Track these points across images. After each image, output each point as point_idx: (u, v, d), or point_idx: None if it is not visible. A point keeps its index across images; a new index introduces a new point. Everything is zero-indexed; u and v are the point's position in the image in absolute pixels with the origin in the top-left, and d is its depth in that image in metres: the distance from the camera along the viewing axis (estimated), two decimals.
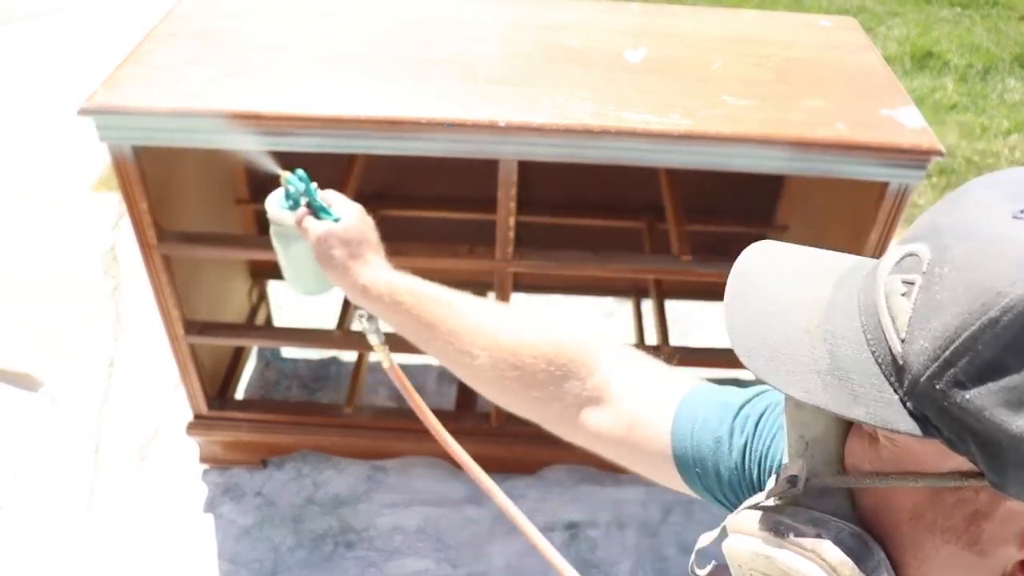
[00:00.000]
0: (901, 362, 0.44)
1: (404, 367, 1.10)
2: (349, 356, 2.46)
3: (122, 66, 1.54)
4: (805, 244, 0.57)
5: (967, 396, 0.41)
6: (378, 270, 0.93)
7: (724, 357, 1.95)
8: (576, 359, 0.78)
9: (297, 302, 2.62)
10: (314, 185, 0.99)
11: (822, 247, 0.57)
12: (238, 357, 2.23)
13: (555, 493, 2.12)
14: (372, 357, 2.40)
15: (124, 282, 2.71)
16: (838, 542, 0.49)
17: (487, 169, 1.54)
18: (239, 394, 2.28)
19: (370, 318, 1.01)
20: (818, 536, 0.49)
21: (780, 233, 2.21)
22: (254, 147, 1.22)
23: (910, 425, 0.44)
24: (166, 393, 2.32)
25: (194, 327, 1.81)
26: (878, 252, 1.58)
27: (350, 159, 1.99)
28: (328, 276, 0.96)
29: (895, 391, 0.44)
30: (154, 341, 2.33)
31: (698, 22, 1.80)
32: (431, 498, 2.10)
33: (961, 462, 0.44)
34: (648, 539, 2.02)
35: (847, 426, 0.53)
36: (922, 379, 0.43)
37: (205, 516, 2.04)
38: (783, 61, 1.65)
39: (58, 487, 2.09)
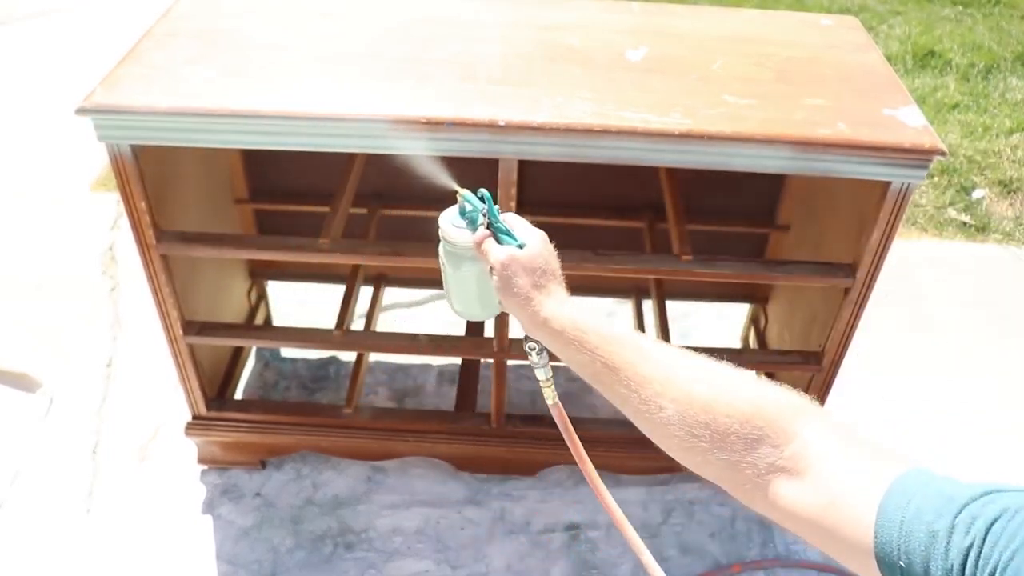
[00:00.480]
0: None
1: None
2: (348, 356, 2.46)
3: (120, 65, 1.53)
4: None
5: None
6: (562, 303, 0.88)
7: (724, 358, 1.95)
8: (774, 423, 0.71)
9: (296, 302, 2.62)
10: (496, 207, 0.94)
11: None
12: (237, 357, 2.23)
13: (556, 494, 2.11)
14: (373, 357, 2.40)
15: (123, 282, 2.71)
16: None
17: (487, 169, 1.53)
18: (238, 394, 2.28)
19: (541, 351, 0.96)
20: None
21: (781, 233, 2.21)
22: (429, 155, 1.17)
23: None
24: (165, 393, 2.32)
25: (193, 327, 1.81)
26: (879, 252, 1.57)
27: (350, 159, 1.98)
28: (506, 304, 0.92)
29: None
30: (153, 341, 2.33)
31: (699, 21, 1.79)
32: (431, 499, 2.09)
33: None
34: (649, 540, 2.01)
35: None
36: None
37: (204, 517, 2.03)
38: (784, 60, 1.64)
39: (57, 487, 2.08)
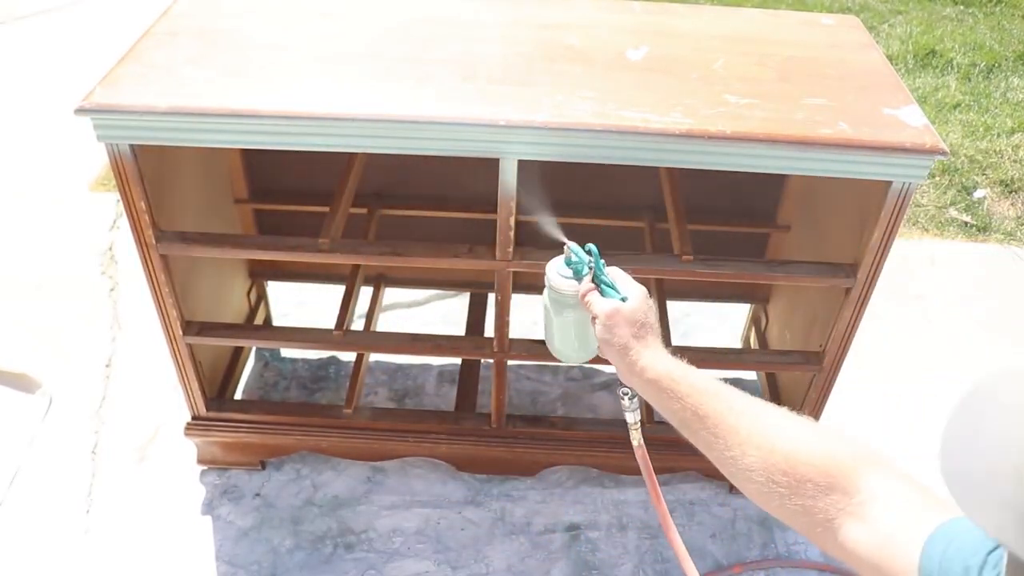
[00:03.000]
0: None
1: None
2: (348, 356, 2.46)
3: (120, 65, 1.53)
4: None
5: None
6: (658, 355, 0.96)
7: (725, 357, 1.95)
8: (846, 473, 0.78)
9: (296, 302, 2.62)
10: (602, 261, 1.02)
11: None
12: (237, 357, 2.22)
13: (556, 495, 2.11)
14: (373, 357, 2.40)
15: (122, 282, 2.71)
16: None
17: (487, 169, 1.53)
18: (238, 395, 2.28)
19: (633, 397, 1.05)
20: None
21: (782, 233, 2.20)
22: (548, 220, 1.25)
23: None
24: (164, 394, 2.31)
25: (192, 327, 1.80)
26: (880, 252, 1.57)
27: (350, 159, 1.98)
28: (606, 352, 1.00)
29: None
30: (152, 341, 2.32)
31: (699, 21, 1.79)
32: (431, 500, 2.09)
33: None
34: (649, 540, 2.01)
35: None
36: None
37: (203, 517, 2.03)
38: (785, 60, 1.64)
39: (56, 488, 2.08)
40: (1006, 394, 0.53)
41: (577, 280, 1.05)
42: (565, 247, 1.05)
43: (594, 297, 1.01)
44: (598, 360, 1.13)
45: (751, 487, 0.83)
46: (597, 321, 0.99)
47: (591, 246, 1.03)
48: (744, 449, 0.83)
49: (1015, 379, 0.54)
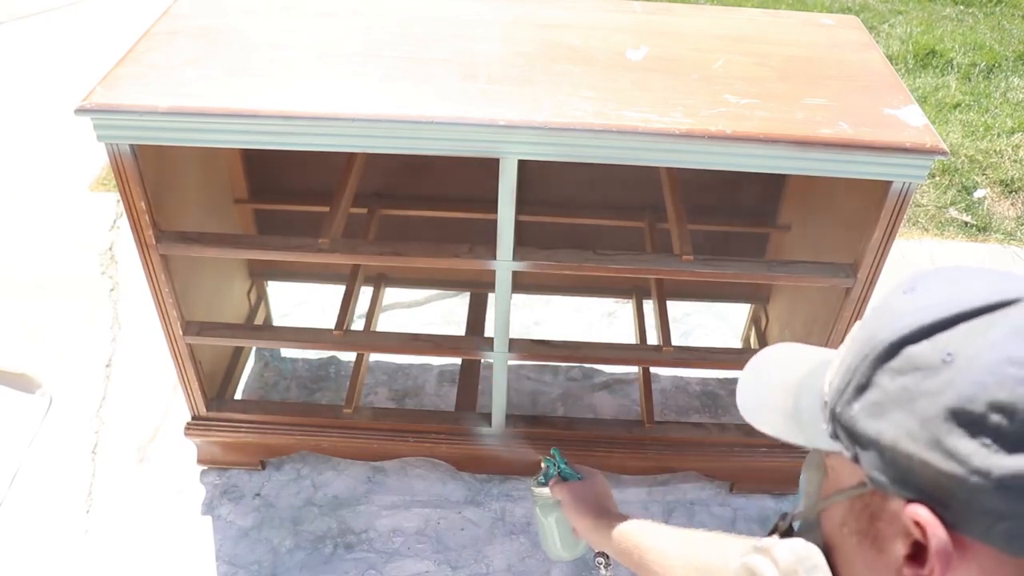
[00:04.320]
0: (826, 399, 0.60)
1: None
2: (348, 356, 2.46)
3: (120, 65, 1.53)
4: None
5: (851, 413, 0.56)
6: (616, 520, 1.07)
7: (725, 357, 1.94)
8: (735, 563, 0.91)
9: (296, 302, 2.62)
10: (564, 459, 1.20)
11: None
12: (237, 357, 2.22)
13: None
14: (373, 357, 2.40)
15: (122, 282, 2.71)
16: (788, 547, 0.62)
17: (487, 169, 1.53)
18: (238, 395, 2.28)
19: (608, 564, 1.17)
20: (775, 544, 0.64)
21: (782, 232, 2.20)
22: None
23: (828, 443, 0.59)
24: (164, 394, 2.32)
25: (192, 327, 1.80)
26: (881, 251, 1.57)
27: (350, 158, 1.97)
28: (577, 527, 1.13)
29: (824, 422, 0.60)
30: (152, 341, 2.33)
31: (700, 20, 1.79)
32: (431, 500, 2.09)
33: (861, 473, 0.56)
34: None
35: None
36: (833, 408, 0.58)
37: (204, 517, 2.03)
38: (785, 60, 1.64)
39: (56, 488, 2.08)
40: (774, 352, 0.75)
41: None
42: (542, 463, 1.20)
43: (557, 486, 1.15)
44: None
45: None
46: (563, 503, 1.13)
47: (555, 450, 1.19)
48: (669, 558, 0.95)
49: (775, 350, 0.75)
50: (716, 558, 0.91)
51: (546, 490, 1.19)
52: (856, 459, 0.56)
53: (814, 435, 0.61)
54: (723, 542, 0.94)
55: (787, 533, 0.68)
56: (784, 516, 0.70)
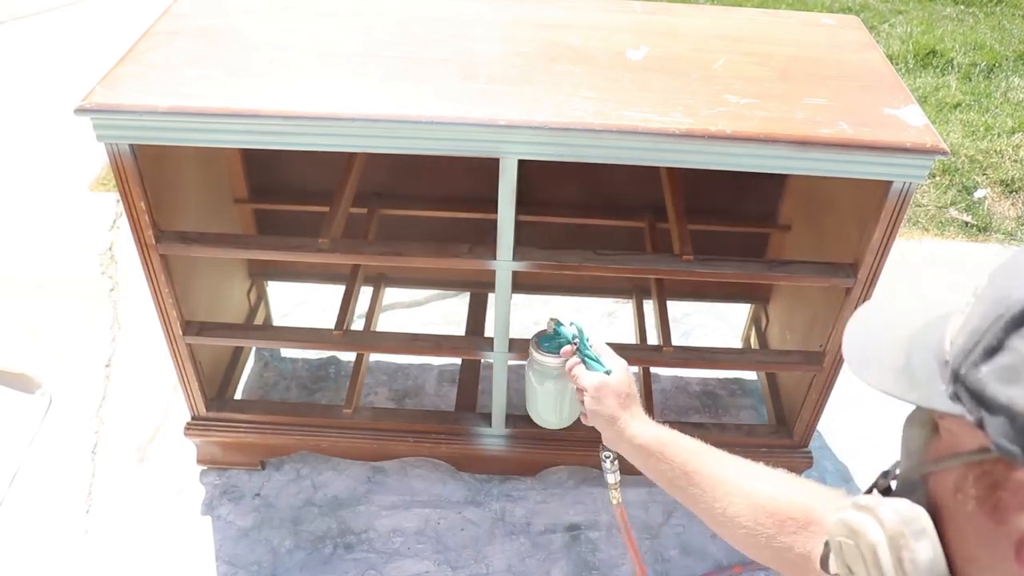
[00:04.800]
0: (947, 359, 0.56)
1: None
2: (348, 356, 2.45)
3: (119, 65, 1.53)
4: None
5: (979, 376, 0.52)
6: (645, 422, 1.04)
7: (725, 357, 1.94)
8: (819, 508, 0.85)
9: (296, 302, 2.62)
10: (587, 337, 1.10)
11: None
12: (237, 357, 2.22)
13: (556, 495, 2.11)
14: (373, 358, 2.40)
15: (122, 282, 2.71)
16: (893, 508, 0.60)
17: (487, 169, 1.53)
18: (238, 395, 2.27)
19: (615, 460, 1.13)
20: (880, 504, 0.61)
21: (782, 232, 2.20)
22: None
23: (946, 405, 0.55)
24: (164, 394, 2.31)
25: (192, 327, 1.80)
26: (881, 251, 1.57)
27: (350, 158, 1.97)
28: (594, 421, 1.07)
29: (943, 382, 0.56)
30: (152, 341, 2.33)
31: (700, 20, 1.79)
32: (431, 500, 2.09)
33: (984, 438, 0.53)
34: (649, 541, 2.01)
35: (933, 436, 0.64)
36: (956, 369, 0.55)
37: (203, 518, 2.03)
38: (785, 59, 1.64)
39: (56, 488, 2.08)
40: (882, 303, 0.72)
41: (557, 352, 1.13)
42: (549, 322, 1.12)
43: (580, 371, 1.08)
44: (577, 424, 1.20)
45: (738, 533, 0.90)
46: (585, 394, 1.07)
47: (577, 323, 1.10)
48: (731, 499, 0.90)
49: (885, 299, 0.72)
50: (792, 505, 0.86)
51: (550, 358, 1.12)
52: (981, 424, 0.53)
53: (930, 395, 0.57)
54: (797, 486, 0.89)
55: (886, 492, 0.65)
56: (886, 474, 0.67)
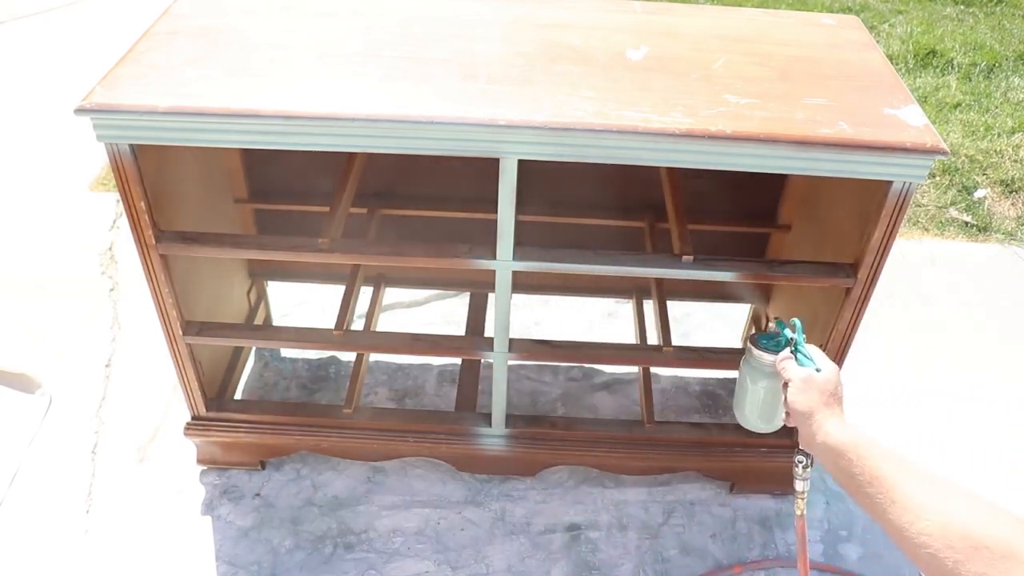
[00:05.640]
0: None
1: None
2: (348, 356, 2.46)
3: (120, 65, 1.53)
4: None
5: None
6: (842, 424, 1.03)
7: (725, 357, 1.94)
8: (1022, 546, 0.79)
9: (296, 302, 2.62)
10: (803, 336, 1.13)
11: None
12: (237, 358, 2.22)
13: (556, 495, 2.11)
14: (373, 358, 2.40)
15: (122, 282, 2.71)
16: None
17: (487, 169, 1.53)
18: (238, 395, 2.28)
19: (807, 466, 1.13)
20: None
21: (782, 233, 2.20)
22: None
23: None
24: (164, 394, 2.32)
25: (192, 327, 1.80)
26: (881, 251, 1.57)
27: (350, 158, 1.97)
28: (793, 416, 1.07)
29: None
30: (152, 341, 2.33)
31: (700, 20, 1.79)
32: (431, 500, 2.09)
33: None
34: (649, 541, 2.01)
35: None
36: None
37: (203, 518, 2.03)
38: (785, 60, 1.64)
39: (56, 488, 2.08)
40: None
41: (775, 353, 1.16)
42: (772, 321, 1.17)
43: (790, 363, 1.10)
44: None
45: (923, 552, 0.84)
46: (790, 384, 1.07)
47: (796, 320, 1.13)
48: (920, 513, 0.85)
49: None
50: (990, 533, 0.79)
51: (768, 356, 1.13)
52: None
53: None
54: (1000, 514, 0.83)
55: None
56: None
